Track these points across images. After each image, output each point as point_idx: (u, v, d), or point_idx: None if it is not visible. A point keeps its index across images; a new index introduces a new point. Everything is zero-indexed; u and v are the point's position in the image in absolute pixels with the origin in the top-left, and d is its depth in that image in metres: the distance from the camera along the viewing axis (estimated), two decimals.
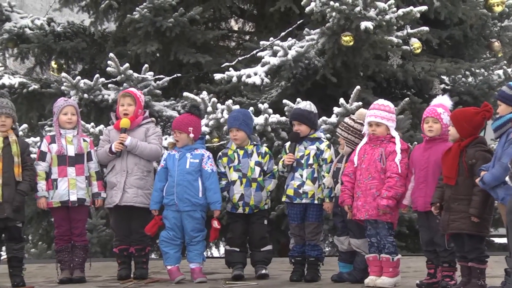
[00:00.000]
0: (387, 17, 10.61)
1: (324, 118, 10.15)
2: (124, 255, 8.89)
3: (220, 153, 8.87)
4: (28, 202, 9.25)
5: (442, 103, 7.90)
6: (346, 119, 8.48)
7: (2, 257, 8.76)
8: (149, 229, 8.58)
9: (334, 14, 10.52)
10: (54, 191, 8.63)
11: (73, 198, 8.62)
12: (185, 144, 8.54)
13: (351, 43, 10.67)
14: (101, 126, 10.23)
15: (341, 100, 10.15)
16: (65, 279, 8.71)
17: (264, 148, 8.81)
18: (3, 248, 8.78)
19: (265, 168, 8.70)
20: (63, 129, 8.75)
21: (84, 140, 8.83)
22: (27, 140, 9.83)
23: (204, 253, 8.87)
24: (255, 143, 8.82)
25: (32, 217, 11.70)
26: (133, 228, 8.82)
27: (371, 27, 10.47)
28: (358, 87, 10.28)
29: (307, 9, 10.83)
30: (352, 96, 10.19)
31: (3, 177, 8.44)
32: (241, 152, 8.71)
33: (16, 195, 8.46)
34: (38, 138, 10.67)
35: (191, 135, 8.56)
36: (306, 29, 11.36)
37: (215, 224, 8.49)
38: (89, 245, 9.31)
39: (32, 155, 8.91)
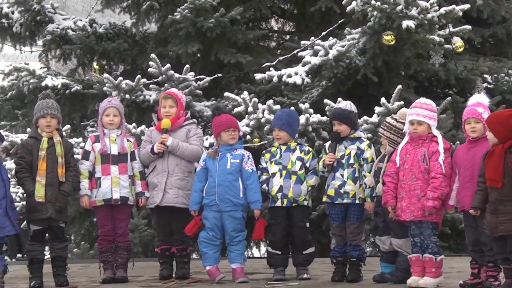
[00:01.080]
0: (429, 15, 10.54)
1: (365, 117, 10.10)
2: (166, 255, 8.92)
3: (264, 150, 8.90)
4: (70, 202, 9.33)
5: (480, 102, 7.82)
6: (388, 119, 8.43)
7: (46, 257, 8.83)
8: (189, 229, 8.60)
9: (375, 13, 10.48)
10: (98, 189, 8.69)
11: (116, 196, 8.68)
12: (236, 141, 8.58)
13: (393, 42, 10.62)
14: (143, 127, 10.29)
15: (383, 100, 10.10)
16: (108, 278, 8.77)
17: (308, 147, 8.80)
18: (47, 247, 8.87)
19: (307, 164, 8.67)
20: (107, 129, 8.81)
21: (128, 140, 8.88)
22: (70, 140, 9.91)
23: (245, 253, 8.87)
24: (299, 141, 8.82)
25: (75, 217, 11.80)
26: (174, 229, 8.85)
27: (413, 26, 10.40)
28: (399, 86, 10.22)
29: (348, 8, 10.80)
30: (393, 95, 10.13)
31: (47, 177, 8.51)
32: (283, 148, 8.70)
33: (59, 196, 8.53)
34: (80, 139, 10.76)
35: (241, 133, 8.60)
36: (347, 28, 11.33)
37: (263, 221, 8.52)
38: (132, 245, 9.35)
39: (76, 156, 8.99)
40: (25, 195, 8.82)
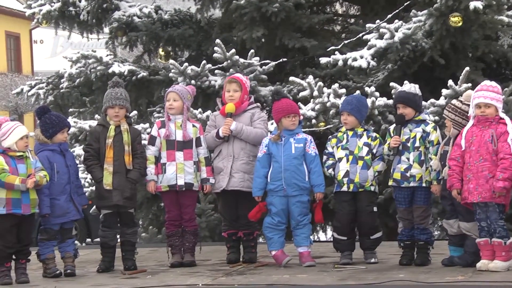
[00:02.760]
0: None
1: (432, 100, 10.00)
2: (233, 240, 8.97)
3: (330, 136, 8.88)
4: (138, 187, 9.43)
5: None
6: (454, 101, 8.35)
7: (117, 241, 8.97)
8: (253, 215, 8.63)
9: None
10: (163, 175, 8.77)
11: (181, 182, 8.73)
12: (296, 127, 8.57)
13: (460, 24, 10.47)
14: (208, 112, 10.33)
15: (450, 82, 9.98)
16: (176, 263, 8.86)
17: (375, 134, 8.75)
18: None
19: (374, 150, 8.62)
20: (172, 115, 8.87)
21: (194, 126, 8.92)
22: (136, 126, 10.00)
23: (311, 237, 8.88)
24: (366, 127, 8.77)
25: (142, 202, 11.91)
26: (240, 213, 8.89)
27: (481, 7, 10.24)
28: (467, 68, 10.08)
29: None
30: (461, 77, 10.00)
31: (114, 165, 8.63)
32: (350, 133, 8.66)
33: (127, 183, 8.64)
34: (147, 125, 10.85)
35: (301, 117, 8.64)
36: (413, 10, 11.20)
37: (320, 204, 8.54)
38: (199, 229, 9.43)
39: (143, 141, 9.08)
40: (93, 181, 8.98)
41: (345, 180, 8.56)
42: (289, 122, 8.57)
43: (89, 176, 10.91)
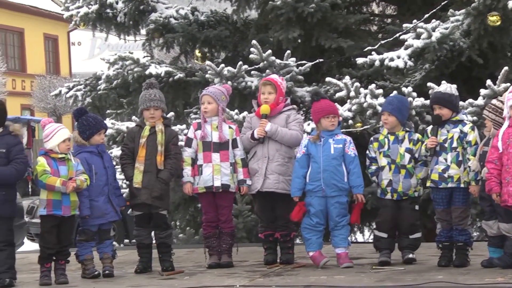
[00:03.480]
0: None
1: (470, 100, 9.92)
2: (270, 241, 8.97)
3: (371, 138, 8.84)
4: (175, 188, 9.46)
5: None
6: (494, 101, 8.28)
7: (152, 241, 9.00)
8: (295, 215, 8.62)
9: None
10: (200, 176, 8.79)
11: (217, 183, 8.75)
12: (335, 128, 8.55)
13: (498, 23, 10.38)
14: (245, 113, 10.33)
15: (488, 82, 9.88)
16: (214, 264, 8.87)
17: (417, 135, 8.67)
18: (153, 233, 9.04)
19: (416, 155, 8.58)
20: (208, 117, 8.89)
21: (230, 127, 8.94)
22: (173, 128, 10.02)
23: (349, 238, 8.85)
24: (407, 129, 8.70)
25: (180, 203, 11.95)
26: (277, 214, 8.89)
27: None
28: (506, 68, 9.98)
29: None
30: (499, 77, 9.91)
31: (145, 164, 8.68)
32: (391, 138, 8.62)
33: (156, 183, 8.67)
34: (184, 126, 10.88)
35: (340, 119, 8.59)
36: (450, 10, 11.11)
37: (361, 205, 8.54)
38: (236, 230, 9.44)
39: (180, 143, 9.11)
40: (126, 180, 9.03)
41: (389, 189, 8.56)
42: (328, 122, 8.56)
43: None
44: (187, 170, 8.81)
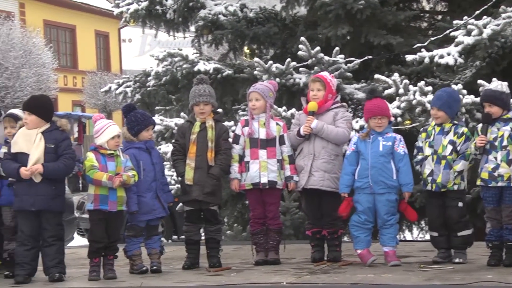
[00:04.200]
0: None
1: None
2: (317, 238, 8.95)
3: (421, 128, 8.82)
4: (224, 185, 9.48)
5: None
6: None
7: (201, 237, 9.04)
8: (342, 210, 8.58)
9: None
10: (247, 173, 8.80)
11: (264, 180, 8.74)
12: (384, 129, 8.50)
13: None
14: (293, 110, 10.32)
15: None
16: (261, 260, 8.87)
17: (463, 129, 8.58)
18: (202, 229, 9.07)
19: (458, 148, 8.51)
20: (256, 114, 8.89)
21: (277, 124, 8.93)
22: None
23: (397, 236, 8.80)
24: (455, 122, 8.62)
25: (227, 200, 11.97)
26: (324, 212, 8.87)
27: None
28: None
29: None
30: None
31: (196, 160, 8.71)
32: (437, 129, 8.58)
33: (208, 179, 8.69)
34: (232, 122, 10.90)
35: (392, 118, 8.52)
36: (502, 6, 10.97)
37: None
38: (283, 227, 9.43)
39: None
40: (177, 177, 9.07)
41: (429, 179, 8.51)
42: (375, 124, 8.52)
43: (175, 173, 11.03)
44: (235, 167, 8.82)
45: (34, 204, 8.24)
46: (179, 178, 9.03)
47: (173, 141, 9.25)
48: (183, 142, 8.84)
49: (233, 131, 9.26)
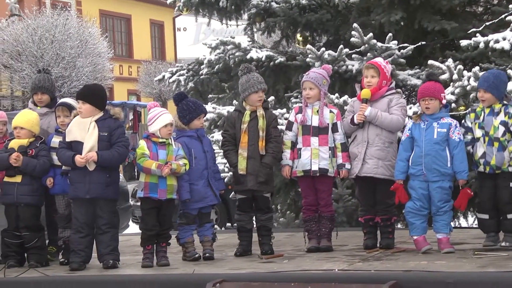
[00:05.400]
0: None
1: None
2: (370, 225, 8.91)
3: (469, 109, 8.70)
4: (276, 172, 9.48)
5: None
6: None
7: (253, 225, 9.07)
8: (403, 198, 8.49)
9: None
10: (298, 160, 8.78)
11: (315, 167, 8.72)
12: (435, 111, 8.40)
13: None
14: (345, 97, 10.27)
15: None
16: (313, 248, 8.87)
17: None
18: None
19: (510, 128, 8.39)
20: (311, 103, 8.87)
21: (331, 111, 8.89)
22: (274, 111, 10.03)
23: (452, 223, 8.72)
24: (505, 102, 8.50)
25: (280, 187, 11.97)
26: (377, 199, 8.83)
27: None
28: None
29: None
30: None
31: (248, 150, 8.72)
32: (487, 110, 8.48)
33: (261, 168, 8.70)
34: (284, 110, 10.89)
35: (444, 101, 8.43)
36: None
37: (468, 191, 8.35)
38: (335, 214, 9.41)
39: (280, 127, 9.12)
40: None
41: (482, 161, 8.42)
42: (424, 105, 8.45)
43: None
44: (287, 154, 8.82)
45: (89, 192, 8.34)
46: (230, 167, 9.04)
47: (222, 131, 9.24)
48: (233, 132, 8.84)
49: (286, 119, 9.23)
